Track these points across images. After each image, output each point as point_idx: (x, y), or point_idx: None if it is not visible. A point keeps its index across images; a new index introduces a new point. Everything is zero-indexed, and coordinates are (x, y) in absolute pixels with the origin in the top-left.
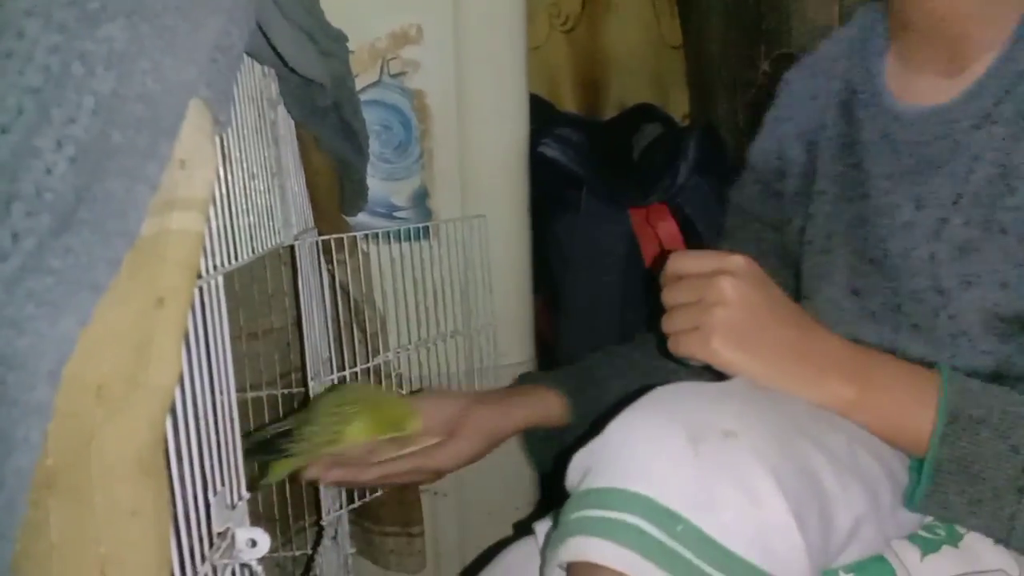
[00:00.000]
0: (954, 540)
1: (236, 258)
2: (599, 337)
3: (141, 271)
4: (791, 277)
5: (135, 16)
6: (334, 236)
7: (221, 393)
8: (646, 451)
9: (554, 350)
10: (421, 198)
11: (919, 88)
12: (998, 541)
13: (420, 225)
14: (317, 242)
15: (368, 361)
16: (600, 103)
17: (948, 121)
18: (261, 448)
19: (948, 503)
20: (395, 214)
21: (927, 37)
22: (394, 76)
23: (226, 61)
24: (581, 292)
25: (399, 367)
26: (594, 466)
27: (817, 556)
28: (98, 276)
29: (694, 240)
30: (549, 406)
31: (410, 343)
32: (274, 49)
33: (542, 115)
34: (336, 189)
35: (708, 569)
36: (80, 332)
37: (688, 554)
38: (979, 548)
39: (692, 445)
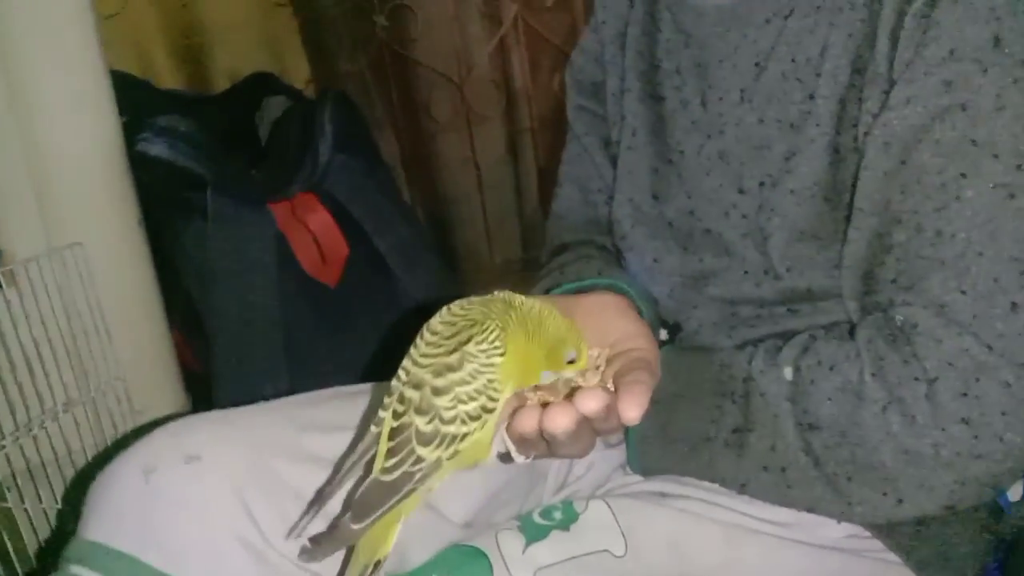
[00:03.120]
0: (567, 523)
1: None
2: (261, 357)
3: None
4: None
5: None
6: None
7: None
8: (99, 494)
9: (209, 386)
10: None
11: None
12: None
13: None
14: None
15: None
16: (207, 74)
17: (740, 15)
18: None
19: (657, 465)
20: None
21: None
22: None
23: None
24: (229, 311)
25: None
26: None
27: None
28: None
29: (351, 228)
30: None
31: (5, 435)
32: None
33: (138, 97)
34: None
35: None
36: None
37: None
38: (590, 527)
39: (144, 476)
